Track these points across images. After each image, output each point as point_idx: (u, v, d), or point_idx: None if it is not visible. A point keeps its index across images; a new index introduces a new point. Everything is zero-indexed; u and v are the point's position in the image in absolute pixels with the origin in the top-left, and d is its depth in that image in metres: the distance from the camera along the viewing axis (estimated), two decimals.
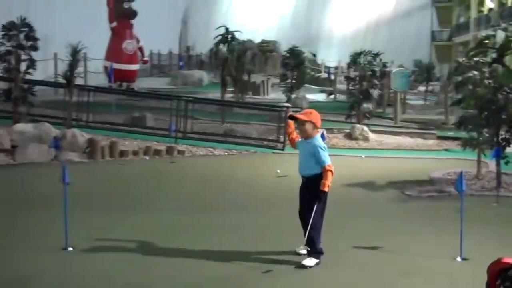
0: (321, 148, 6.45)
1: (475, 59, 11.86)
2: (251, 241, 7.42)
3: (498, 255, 4.38)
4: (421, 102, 28.35)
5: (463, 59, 12.44)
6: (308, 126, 6.52)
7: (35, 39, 14.57)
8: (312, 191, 6.46)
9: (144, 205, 9.38)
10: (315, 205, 6.40)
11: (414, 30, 57.35)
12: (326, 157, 6.44)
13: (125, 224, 8.21)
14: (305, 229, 6.49)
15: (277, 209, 9.29)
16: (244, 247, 7.15)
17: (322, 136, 12.83)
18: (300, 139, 6.68)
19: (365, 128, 16.68)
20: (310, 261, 6.39)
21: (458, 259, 6.59)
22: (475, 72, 11.50)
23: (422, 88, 31.56)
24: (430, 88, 31.38)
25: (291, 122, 6.79)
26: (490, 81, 10.95)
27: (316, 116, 6.60)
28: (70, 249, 6.85)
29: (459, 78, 11.87)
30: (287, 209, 9.13)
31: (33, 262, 6.52)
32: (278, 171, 12.22)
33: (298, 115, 6.71)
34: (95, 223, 8.15)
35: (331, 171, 6.41)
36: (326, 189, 6.36)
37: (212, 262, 6.59)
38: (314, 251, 6.46)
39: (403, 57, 48.77)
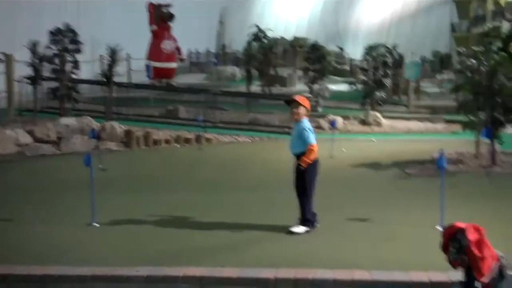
0: (307, 129, 6.72)
1: (474, 48, 11.88)
2: (253, 216, 7.68)
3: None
4: (436, 89, 28.06)
5: (463, 49, 12.46)
6: (302, 110, 6.80)
7: (79, 43, 15.01)
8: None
9: (170, 187, 9.72)
10: (308, 179, 6.70)
11: (435, 22, 56.55)
12: (311, 138, 6.69)
13: (150, 203, 8.54)
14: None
15: (282, 187, 9.50)
16: (245, 219, 7.43)
17: (333, 122, 13.00)
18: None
19: (378, 114, 16.72)
20: (298, 228, 6.67)
21: (438, 227, 6.72)
22: (473, 61, 11.53)
23: (442, 77, 31.20)
24: (446, 76, 31.00)
25: None
26: (486, 68, 10.95)
27: (308, 103, 6.89)
28: (97, 225, 7.21)
29: (458, 66, 11.91)
30: (289, 187, 9.39)
31: (65, 235, 6.90)
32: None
33: (296, 98, 6.95)
34: (123, 203, 8.53)
35: (313, 149, 6.66)
36: (304, 164, 6.62)
37: (216, 231, 6.92)
38: (303, 219, 6.74)
39: (425, 48, 48.24)
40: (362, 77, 19.07)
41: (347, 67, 34.55)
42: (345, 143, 13.72)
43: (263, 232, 6.91)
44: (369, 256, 6.00)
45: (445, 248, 4.49)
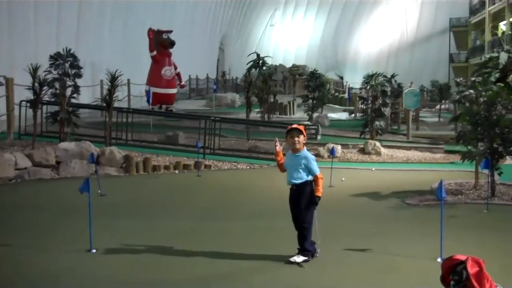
0: (313, 159, 6.72)
1: (473, 78, 11.95)
2: (252, 244, 7.65)
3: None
4: (435, 119, 28.21)
5: (461, 79, 12.53)
6: (302, 139, 6.76)
7: (79, 68, 15.09)
8: (307, 195, 6.68)
9: (169, 213, 9.70)
10: (312, 208, 6.71)
11: (434, 53, 57.13)
12: (317, 166, 6.70)
13: (149, 229, 8.52)
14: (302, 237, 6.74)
15: (281, 215, 9.48)
16: (245, 248, 7.39)
17: (333, 151, 13.03)
18: (288, 153, 6.86)
19: (377, 143, 16.78)
20: (298, 258, 6.63)
21: (438, 259, 6.69)
22: (471, 91, 11.61)
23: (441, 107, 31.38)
24: (445, 106, 31.20)
25: (279, 151, 6.93)
26: (485, 98, 11.01)
27: (305, 132, 6.90)
28: (94, 250, 7.17)
29: (457, 97, 11.97)
30: (289, 215, 9.37)
31: (62, 261, 6.84)
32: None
33: (299, 126, 6.92)
34: (122, 228, 8.49)
35: (322, 178, 6.70)
36: (320, 194, 6.65)
37: (215, 259, 6.88)
38: (303, 249, 6.70)
39: (424, 78, 48.65)
40: (361, 106, 19.16)
41: (346, 96, 34.73)
42: (344, 171, 13.74)
43: (262, 261, 6.88)
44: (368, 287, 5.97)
45: (444, 280, 4.47)
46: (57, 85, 14.70)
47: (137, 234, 8.21)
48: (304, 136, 6.81)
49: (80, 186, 7.24)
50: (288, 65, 50.94)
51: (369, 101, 18.32)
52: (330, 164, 13.35)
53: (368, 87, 18.44)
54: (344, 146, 17.20)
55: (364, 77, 18.79)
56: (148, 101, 21.29)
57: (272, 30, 62.37)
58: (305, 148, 6.82)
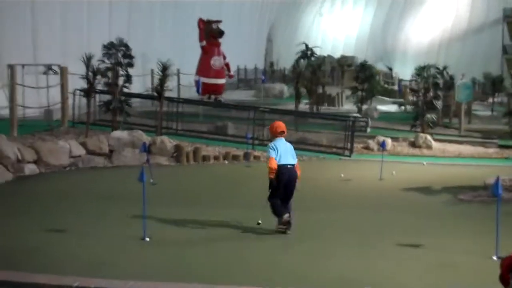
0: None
1: None
2: (303, 235, 7.66)
3: None
4: (488, 112, 27.54)
5: None
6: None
7: (131, 57, 15.30)
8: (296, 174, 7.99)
9: (219, 203, 9.80)
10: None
11: (486, 44, 55.62)
12: (270, 153, 7.80)
13: (200, 218, 8.61)
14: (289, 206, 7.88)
15: (331, 208, 9.49)
16: (295, 239, 7.42)
17: (383, 144, 12.91)
18: (281, 141, 7.93)
19: (429, 137, 16.52)
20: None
21: (494, 257, 6.58)
22: None
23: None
24: (499, 99, 30.41)
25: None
26: None
27: (271, 128, 8.18)
28: (147, 239, 7.31)
29: (511, 90, 11.67)
30: (338, 209, 9.36)
31: (115, 248, 7.01)
32: (342, 175, 12.39)
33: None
34: (174, 217, 8.61)
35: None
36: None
37: (265, 250, 6.94)
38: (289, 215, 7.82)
39: (475, 70, 47.39)
40: (412, 98, 18.87)
41: (395, 87, 34.23)
42: (394, 165, 13.57)
43: (312, 253, 6.90)
44: (420, 284, 5.91)
45: (503, 279, 4.38)
46: (109, 74, 14.94)
47: (188, 223, 8.33)
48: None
49: (138, 175, 7.36)
50: (337, 55, 50.43)
51: (421, 94, 18.00)
52: (380, 157, 13.23)
53: (420, 79, 18.12)
54: (394, 139, 16.99)
55: (415, 69, 18.47)
56: (197, 91, 21.45)
57: (321, 20, 61.85)
58: (277, 138, 7.97)
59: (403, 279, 6.04)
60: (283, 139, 7.93)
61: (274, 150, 7.73)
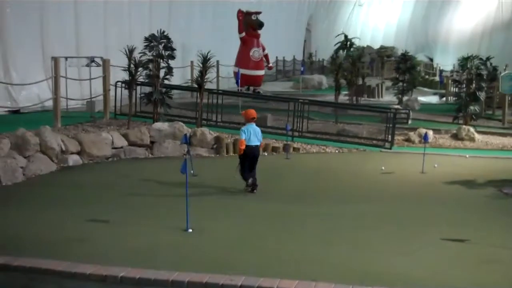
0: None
1: None
2: (344, 229, 7.62)
3: None
4: None
5: None
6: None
7: (173, 49, 15.37)
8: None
9: (259, 195, 9.79)
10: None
11: None
12: (242, 135, 9.82)
13: (241, 211, 8.66)
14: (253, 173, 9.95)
15: (372, 201, 9.40)
16: (337, 232, 7.38)
17: (426, 136, 12.75)
18: (251, 126, 9.90)
19: (471, 129, 16.20)
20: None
21: None
22: None
23: None
24: None
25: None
26: None
27: (245, 114, 10.13)
28: (190, 230, 7.37)
29: None
30: (380, 201, 9.26)
31: (158, 239, 7.08)
32: (383, 167, 12.27)
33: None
34: (216, 210, 8.68)
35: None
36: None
37: (309, 243, 6.91)
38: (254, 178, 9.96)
39: None
40: (455, 90, 18.52)
41: (436, 78, 33.69)
42: (436, 158, 13.38)
43: (356, 245, 6.85)
44: (467, 279, 5.82)
45: None
46: (151, 66, 15.05)
47: (230, 215, 8.37)
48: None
49: (181, 167, 7.41)
50: (376, 46, 49.95)
51: (464, 85, 17.66)
52: (422, 150, 13.05)
53: (463, 70, 17.77)
54: (435, 131, 16.73)
55: (458, 60, 18.11)
56: (237, 82, 21.48)
57: (360, 10, 61.23)
58: (249, 123, 9.95)
59: (451, 274, 5.95)
60: (253, 124, 9.93)
61: (245, 133, 9.75)
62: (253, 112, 10.10)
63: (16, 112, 17.10)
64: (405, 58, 22.32)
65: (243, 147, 9.73)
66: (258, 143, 9.97)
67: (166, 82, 15.50)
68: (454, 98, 19.36)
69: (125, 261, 6.17)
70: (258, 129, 9.99)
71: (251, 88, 24.06)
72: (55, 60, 14.77)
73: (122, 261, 6.17)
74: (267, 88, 27.47)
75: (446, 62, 45.26)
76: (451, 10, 58.57)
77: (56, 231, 7.34)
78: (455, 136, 16.18)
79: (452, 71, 36.24)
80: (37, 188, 9.82)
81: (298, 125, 15.83)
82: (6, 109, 16.76)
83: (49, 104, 15.83)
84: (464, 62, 17.62)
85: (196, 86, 15.63)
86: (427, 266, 6.22)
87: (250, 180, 9.91)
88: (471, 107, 17.29)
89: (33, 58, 17.98)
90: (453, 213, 8.77)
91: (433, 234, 7.35)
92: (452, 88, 24.81)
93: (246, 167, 9.94)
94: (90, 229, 7.43)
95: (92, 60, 17.31)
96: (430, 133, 15.57)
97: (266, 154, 13.97)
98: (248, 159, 9.89)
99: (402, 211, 8.78)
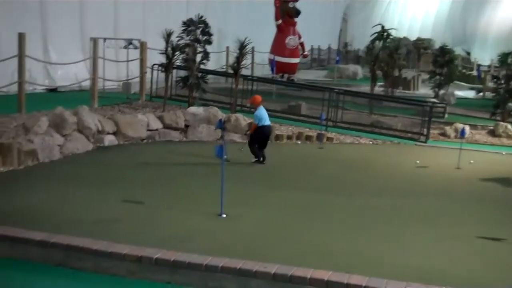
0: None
1: None
2: (378, 222, 7.56)
3: None
4: None
5: None
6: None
7: (210, 34, 15.38)
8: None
9: (291, 184, 9.78)
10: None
11: None
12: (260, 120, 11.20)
13: (273, 198, 8.66)
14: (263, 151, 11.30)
15: (407, 195, 9.30)
16: (371, 225, 7.32)
17: (463, 132, 12.53)
18: (262, 109, 11.33)
19: (509, 126, 15.90)
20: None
21: None
22: None
23: None
24: None
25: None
26: None
27: (254, 101, 11.56)
28: (224, 215, 7.39)
29: None
30: (415, 196, 9.16)
31: (192, 223, 7.13)
32: (418, 161, 12.12)
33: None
34: (248, 196, 8.69)
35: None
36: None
37: (342, 234, 6.88)
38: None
39: None
40: (493, 85, 18.18)
41: (474, 73, 33.08)
42: (472, 154, 13.16)
43: (388, 240, 6.80)
44: (504, 279, 5.73)
45: None
46: (188, 50, 15.08)
47: (262, 202, 8.39)
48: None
49: (216, 151, 7.43)
50: (413, 38, 49.20)
51: (503, 81, 17.32)
52: (457, 145, 12.87)
53: (502, 66, 17.42)
54: (472, 126, 16.46)
55: (498, 55, 17.76)
56: (271, 69, 21.41)
57: (398, 0, 60.37)
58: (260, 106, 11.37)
59: (486, 273, 5.86)
60: (262, 106, 11.30)
61: (259, 119, 11.14)
62: (260, 97, 11.64)
63: (53, 90, 17.35)
64: (444, 51, 21.97)
65: (254, 129, 11.27)
66: (269, 123, 11.38)
67: (202, 66, 15.53)
68: (491, 94, 19.01)
69: (159, 244, 6.21)
70: (266, 111, 11.50)
71: (285, 75, 23.97)
72: (94, 40, 14.90)
73: (156, 243, 6.21)
74: (301, 76, 27.31)
75: (484, 57, 44.38)
76: (492, 4, 57.38)
77: (91, 210, 7.43)
78: (492, 133, 15.92)
79: (489, 66, 35.58)
80: (74, 167, 9.94)
81: (333, 115, 15.73)
82: (44, 87, 16.99)
83: (86, 84, 16.01)
84: (504, 57, 17.28)
85: (231, 71, 15.61)
86: (463, 264, 6.14)
87: (261, 158, 11.23)
88: (510, 104, 16.97)
89: (72, 39, 18.18)
90: (489, 210, 8.64)
91: (468, 232, 7.25)
92: (490, 84, 24.33)
93: (258, 146, 11.21)
94: (125, 210, 7.51)
95: (130, 42, 17.43)
96: (467, 128, 15.32)
97: (299, 142, 13.93)
98: (263, 137, 11.23)
99: (436, 207, 8.67)
